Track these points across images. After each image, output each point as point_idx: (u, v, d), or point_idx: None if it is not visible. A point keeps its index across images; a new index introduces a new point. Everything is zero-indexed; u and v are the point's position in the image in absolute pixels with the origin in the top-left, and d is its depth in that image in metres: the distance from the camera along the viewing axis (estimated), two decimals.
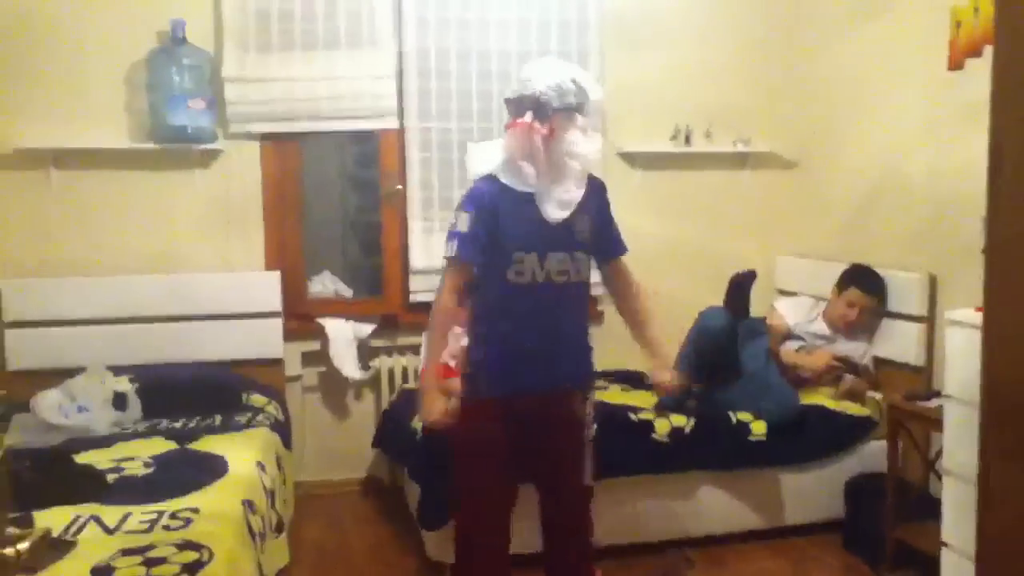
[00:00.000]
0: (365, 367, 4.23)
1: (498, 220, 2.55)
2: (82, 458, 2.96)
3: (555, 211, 2.57)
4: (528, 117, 2.51)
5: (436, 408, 2.56)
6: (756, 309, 4.27)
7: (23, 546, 1.13)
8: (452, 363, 3.70)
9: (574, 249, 2.61)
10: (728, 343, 3.65)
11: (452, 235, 2.56)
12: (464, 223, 2.54)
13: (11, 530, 1.14)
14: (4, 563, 1.12)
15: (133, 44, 3.90)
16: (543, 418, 2.64)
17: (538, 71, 2.57)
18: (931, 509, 2.95)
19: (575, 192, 2.59)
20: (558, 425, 2.69)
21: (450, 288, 2.58)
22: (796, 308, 4.12)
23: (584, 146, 2.57)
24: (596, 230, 2.69)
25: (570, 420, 2.70)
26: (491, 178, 2.60)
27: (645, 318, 2.82)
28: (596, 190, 2.69)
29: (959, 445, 2.65)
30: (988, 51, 3.30)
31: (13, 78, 3.77)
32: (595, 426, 2.78)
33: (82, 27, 3.87)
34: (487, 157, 2.64)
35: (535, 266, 2.56)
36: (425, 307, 4.08)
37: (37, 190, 3.88)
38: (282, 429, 3.64)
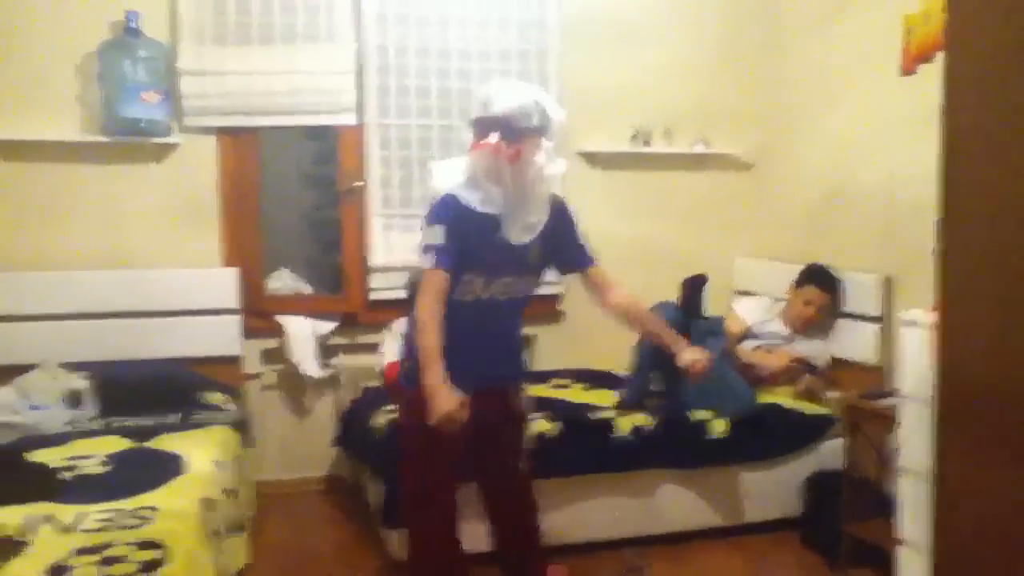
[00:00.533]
0: (325, 365, 4.19)
1: (463, 235, 2.56)
2: (36, 456, 2.90)
3: (519, 235, 2.62)
4: (494, 138, 2.52)
5: (449, 402, 2.49)
6: (714, 309, 4.32)
7: None
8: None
9: (523, 273, 2.71)
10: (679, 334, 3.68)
11: (428, 247, 2.56)
12: (439, 235, 2.55)
13: None
14: None
15: (86, 35, 3.82)
16: (487, 412, 2.70)
17: (502, 92, 2.60)
18: (886, 506, 3.00)
19: (540, 215, 2.65)
20: (502, 419, 2.81)
21: (434, 296, 2.55)
22: (754, 308, 4.19)
23: (549, 168, 2.61)
24: (557, 248, 2.76)
25: (510, 414, 2.86)
26: (451, 196, 2.60)
27: (641, 313, 2.86)
28: (556, 211, 2.72)
29: (913, 443, 2.69)
30: (940, 57, 3.37)
31: None
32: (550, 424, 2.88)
33: (34, 16, 3.78)
34: (451, 175, 2.65)
35: (480, 287, 2.64)
36: (385, 304, 4.11)
37: None
38: (241, 427, 3.59)
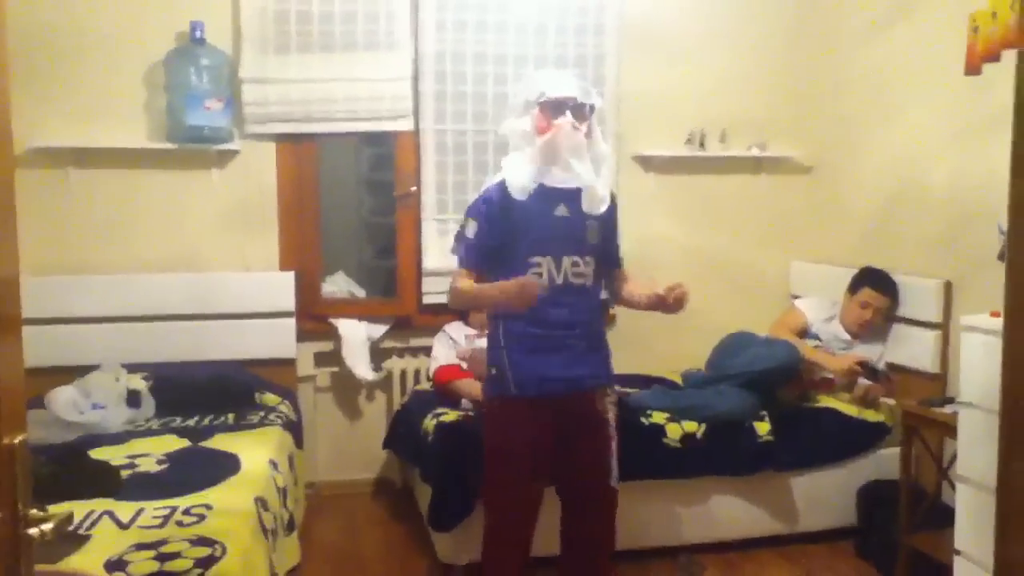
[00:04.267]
0: (377, 368, 4.24)
1: (511, 225, 2.58)
2: (96, 454, 2.98)
3: (596, 206, 2.67)
4: (568, 116, 2.58)
5: (515, 281, 2.47)
6: (771, 312, 4.28)
7: (47, 527, 1.14)
8: (463, 365, 3.73)
9: (584, 253, 2.68)
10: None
11: (459, 238, 2.70)
12: (471, 230, 2.64)
13: (33, 511, 1.15)
14: (28, 543, 1.13)
15: (153, 45, 3.93)
16: (571, 418, 2.69)
17: (556, 75, 2.71)
18: (944, 517, 2.94)
19: (605, 191, 2.72)
20: (583, 425, 2.73)
21: (459, 282, 2.67)
22: (815, 307, 4.10)
23: (605, 146, 2.75)
24: (605, 239, 2.75)
25: (595, 419, 2.74)
26: (501, 184, 2.65)
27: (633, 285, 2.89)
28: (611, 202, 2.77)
29: (974, 452, 2.63)
30: (1007, 56, 3.28)
31: (34, 78, 3.80)
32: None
33: (103, 28, 3.90)
34: (520, 164, 2.66)
35: (552, 268, 2.62)
36: (438, 308, 4.14)
37: (56, 189, 3.90)
38: (294, 428, 3.65)
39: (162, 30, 3.94)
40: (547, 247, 2.62)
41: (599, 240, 2.72)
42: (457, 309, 2.71)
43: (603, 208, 2.70)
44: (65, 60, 3.86)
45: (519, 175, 2.63)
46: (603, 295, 2.87)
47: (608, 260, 2.82)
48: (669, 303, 2.65)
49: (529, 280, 2.45)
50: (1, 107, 1.15)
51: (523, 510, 2.72)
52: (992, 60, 3.42)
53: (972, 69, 3.53)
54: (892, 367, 3.89)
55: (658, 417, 3.52)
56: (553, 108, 2.60)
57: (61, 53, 3.86)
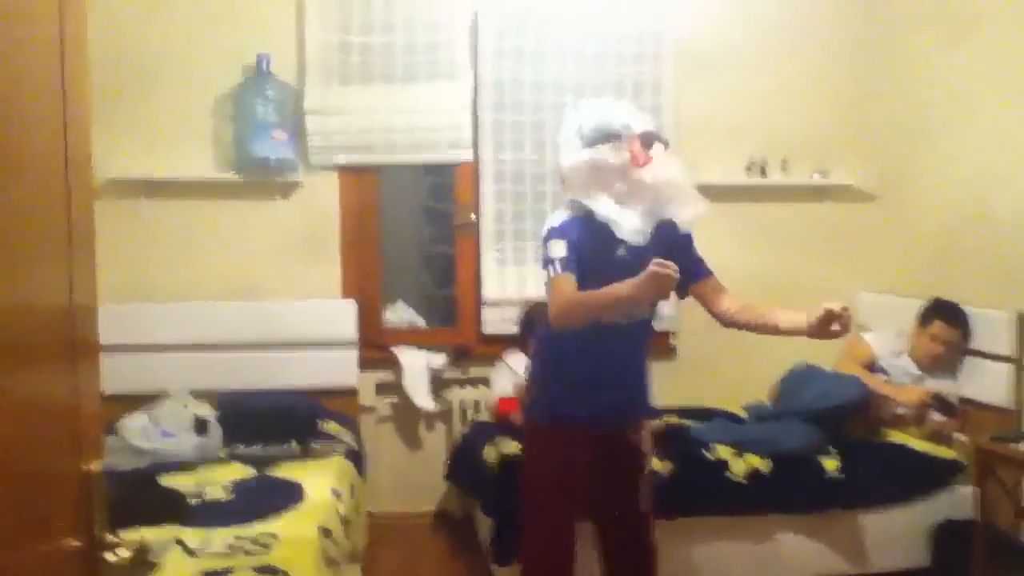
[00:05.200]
0: (437, 397, 4.24)
1: (580, 256, 2.54)
2: (165, 481, 3.03)
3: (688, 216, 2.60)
4: (661, 148, 2.55)
5: (645, 275, 2.29)
6: (836, 344, 4.17)
7: (123, 552, 1.16)
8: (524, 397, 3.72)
9: None
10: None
11: (549, 260, 2.51)
12: (560, 249, 2.50)
13: (110, 537, 1.17)
14: (105, 568, 1.14)
15: (220, 78, 4.03)
16: (608, 449, 2.68)
17: (626, 106, 2.65)
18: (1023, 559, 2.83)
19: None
20: (623, 456, 2.73)
21: (566, 289, 2.48)
22: (883, 340, 4.01)
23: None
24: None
25: (634, 452, 2.75)
26: (569, 220, 2.57)
27: (758, 308, 2.68)
28: (661, 226, 2.62)
29: None
30: None
31: (107, 110, 3.90)
32: (661, 461, 2.79)
33: (172, 61, 4.00)
34: (614, 205, 2.55)
35: None
36: (497, 338, 4.14)
37: (128, 218, 4.00)
38: (356, 458, 3.67)
39: (230, 63, 4.03)
40: (602, 282, 2.48)
41: None
42: (573, 323, 2.49)
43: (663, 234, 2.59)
44: (136, 93, 3.97)
45: (628, 217, 2.51)
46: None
47: (689, 277, 2.64)
48: (839, 316, 2.34)
49: (661, 269, 2.24)
50: (82, 139, 1.19)
51: (563, 543, 2.69)
52: None
53: None
54: (964, 401, 3.78)
55: (723, 452, 3.47)
56: (645, 140, 2.54)
57: (132, 86, 3.96)
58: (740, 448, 3.47)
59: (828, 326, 2.37)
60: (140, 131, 3.99)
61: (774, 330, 2.60)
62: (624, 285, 2.34)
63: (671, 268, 2.23)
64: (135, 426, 3.41)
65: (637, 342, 2.70)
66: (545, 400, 2.67)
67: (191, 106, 4.04)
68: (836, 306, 2.33)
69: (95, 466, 1.16)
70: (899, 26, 4.37)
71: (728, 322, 2.70)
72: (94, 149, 1.14)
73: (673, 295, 2.74)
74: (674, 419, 3.84)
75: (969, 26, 3.89)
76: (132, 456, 3.28)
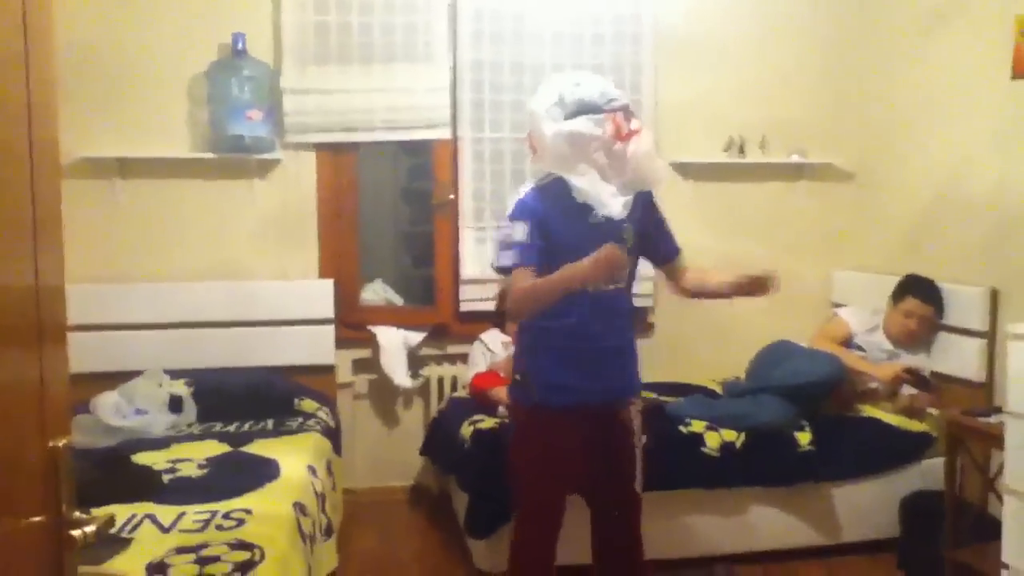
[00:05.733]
0: (415, 375, 4.26)
1: (549, 229, 2.54)
2: (139, 459, 3.03)
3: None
4: (639, 122, 2.55)
5: (591, 257, 2.36)
6: (812, 321, 4.23)
7: (89, 529, 1.16)
8: (501, 373, 3.74)
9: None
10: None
11: (510, 245, 2.50)
12: (521, 233, 2.50)
13: (77, 514, 1.17)
14: (71, 545, 1.15)
15: (196, 57, 4.00)
16: (597, 428, 2.66)
17: (601, 80, 2.60)
18: (991, 530, 2.87)
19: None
20: (611, 434, 2.70)
21: (515, 287, 2.50)
22: (858, 317, 4.04)
23: None
24: (647, 235, 2.68)
25: (623, 429, 2.72)
26: (537, 190, 2.58)
27: (709, 278, 2.75)
28: (639, 198, 2.62)
29: (1021, 463, 2.58)
30: None
31: (81, 89, 3.87)
32: (644, 437, 2.77)
33: (147, 41, 3.97)
34: (594, 177, 2.54)
35: None
36: (475, 316, 4.16)
37: (102, 198, 3.99)
38: (333, 435, 3.68)
39: (205, 42, 4.01)
40: (580, 256, 2.45)
41: (636, 241, 2.62)
42: (523, 316, 2.53)
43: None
44: (110, 72, 3.94)
45: (605, 190, 2.51)
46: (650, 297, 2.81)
47: (660, 253, 2.74)
48: (762, 282, 2.54)
49: (611, 248, 2.32)
50: (49, 119, 1.18)
51: (550, 519, 2.69)
52: None
53: (1020, 72, 3.48)
54: (936, 376, 3.83)
55: (697, 426, 3.49)
56: (626, 114, 2.52)
57: (106, 65, 3.94)
58: (715, 423, 3.50)
59: (751, 287, 2.58)
60: (114, 110, 3.97)
61: (716, 294, 2.70)
62: (576, 265, 2.36)
63: (618, 250, 2.32)
64: (108, 404, 3.41)
65: (621, 319, 2.68)
66: (532, 381, 2.64)
67: (166, 85, 4.02)
68: (758, 272, 2.54)
69: (61, 443, 1.16)
70: (876, 13, 4.40)
71: (690, 296, 2.77)
72: (66, 128, 1.14)
73: (647, 264, 2.79)
74: (652, 395, 3.87)
75: (943, 15, 3.92)
76: (105, 434, 3.28)
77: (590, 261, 2.34)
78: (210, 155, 4.01)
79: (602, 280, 2.42)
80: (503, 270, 2.55)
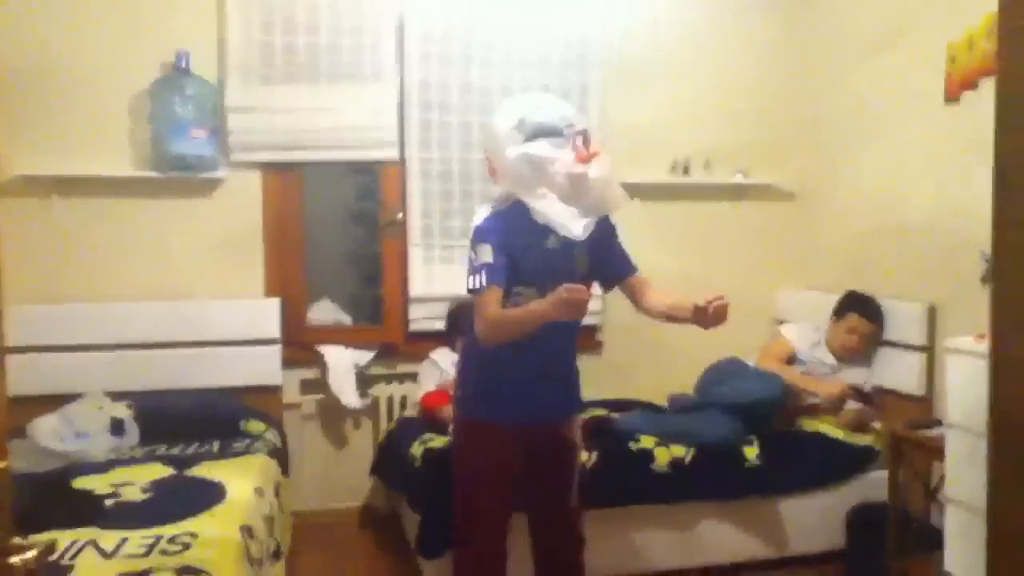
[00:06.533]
0: (364, 395, 4.21)
1: (510, 252, 2.53)
2: (80, 483, 2.95)
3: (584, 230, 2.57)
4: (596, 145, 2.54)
5: (558, 295, 2.33)
6: (757, 338, 4.28)
7: (30, 555, 1.12)
8: (451, 392, 3.72)
9: (573, 281, 2.61)
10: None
11: (477, 267, 2.50)
12: (487, 254, 2.50)
13: (15, 540, 1.13)
14: (10, 573, 1.11)
15: (138, 74, 3.93)
16: (540, 445, 2.68)
17: (563, 104, 2.62)
18: (933, 540, 2.93)
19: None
20: (554, 452, 2.74)
21: (491, 307, 2.48)
22: (801, 333, 4.12)
23: None
24: (600, 258, 2.70)
25: (565, 447, 2.76)
26: (493, 217, 2.59)
27: (664, 296, 2.74)
28: (598, 221, 2.63)
29: (961, 474, 2.64)
30: (983, 84, 3.35)
31: (18, 105, 3.79)
32: (587, 453, 2.81)
33: (89, 56, 3.90)
34: (554, 202, 2.53)
35: (533, 299, 2.53)
36: (424, 335, 4.14)
37: (39, 217, 3.88)
38: (280, 456, 3.62)
39: (148, 59, 3.94)
40: (535, 278, 2.53)
41: (589, 265, 2.66)
42: (497, 342, 2.51)
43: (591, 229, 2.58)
44: (50, 88, 3.85)
45: (565, 212, 2.50)
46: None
47: (614, 273, 2.75)
48: (708, 315, 2.47)
49: (575, 288, 2.31)
50: None
51: (495, 538, 2.69)
52: (970, 88, 3.50)
53: (951, 96, 3.61)
54: (879, 390, 3.91)
55: (647, 441, 3.52)
56: (584, 137, 2.52)
57: (45, 81, 3.85)
58: (665, 439, 3.52)
59: (700, 319, 2.50)
60: (54, 128, 3.87)
61: (669, 318, 2.68)
62: (542, 305, 2.37)
63: (582, 290, 2.30)
64: (47, 428, 3.31)
65: (566, 338, 2.71)
66: (477, 397, 2.66)
67: (108, 103, 3.93)
68: (702, 301, 2.47)
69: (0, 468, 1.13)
70: (818, 40, 4.52)
71: (653, 316, 2.75)
72: (2, 145, 1.10)
73: (598, 288, 2.82)
74: (600, 411, 3.89)
75: (883, 38, 4.04)
76: (44, 459, 3.18)
77: (550, 303, 2.34)
78: (153, 174, 3.94)
79: (568, 318, 2.40)
80: (474, 291, 2.52)
